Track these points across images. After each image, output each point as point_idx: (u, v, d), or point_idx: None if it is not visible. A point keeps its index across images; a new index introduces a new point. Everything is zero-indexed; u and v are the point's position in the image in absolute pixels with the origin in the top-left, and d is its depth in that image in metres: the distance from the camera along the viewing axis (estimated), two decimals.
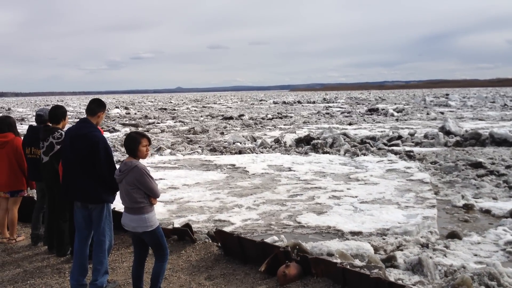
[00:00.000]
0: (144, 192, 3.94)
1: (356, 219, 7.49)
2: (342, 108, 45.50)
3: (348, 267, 4.34)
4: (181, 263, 5.25)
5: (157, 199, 4.10)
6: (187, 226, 5.96)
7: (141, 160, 4.09)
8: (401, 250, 6.01)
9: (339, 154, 14.56)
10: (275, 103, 64.34)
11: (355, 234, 6.76)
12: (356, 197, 8.99)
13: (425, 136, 17.47)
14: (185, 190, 9.94)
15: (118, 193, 4.32)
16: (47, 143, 5.36)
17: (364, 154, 14.20)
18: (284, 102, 63.79)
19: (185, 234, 5.85)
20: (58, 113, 5.46)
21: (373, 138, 17.22)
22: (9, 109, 58.78)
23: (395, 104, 50.28)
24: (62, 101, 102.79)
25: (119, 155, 14.45)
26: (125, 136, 4.28)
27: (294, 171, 11.95)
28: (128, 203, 3.97)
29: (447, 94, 78.59)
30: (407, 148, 15.14)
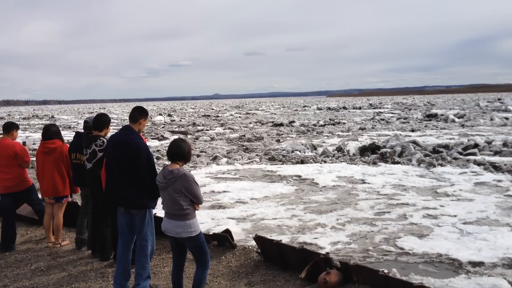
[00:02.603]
0: (189, 199, 4.01)
1: (469, 244, 6.38)
2: (394, 113, 43.55)
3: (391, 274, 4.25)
4: (221, 269, 5.31)
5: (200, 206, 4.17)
6: (227, 231, 5.97)
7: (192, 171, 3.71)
8: None
9: (412, 165, 13.32)
10: (319, 109, 62.92)
11: (475, 265, 5.67)
12: (455, 216, 7.87)
13: (505, 144, 15.86)
14: (255, 205, 9.11)
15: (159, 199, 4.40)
16: (90, 150, 5.51)
17: (441, 165, 12.91)
18: (329, 108, 62.19)
19: (225, 240, 5.84)
20: (102, 120, 5.60)
21: (446, 147, 15.77)
22: (53, 116, 60.30)
23: (451, 109, 47.75)
24: (104, 108, 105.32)
25: None
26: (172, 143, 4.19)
27: (369, 183, 10.90)
28: (173, 210, 4.03)
29: (499, 99, 74.53)
30: (487, 158, 13.72)
